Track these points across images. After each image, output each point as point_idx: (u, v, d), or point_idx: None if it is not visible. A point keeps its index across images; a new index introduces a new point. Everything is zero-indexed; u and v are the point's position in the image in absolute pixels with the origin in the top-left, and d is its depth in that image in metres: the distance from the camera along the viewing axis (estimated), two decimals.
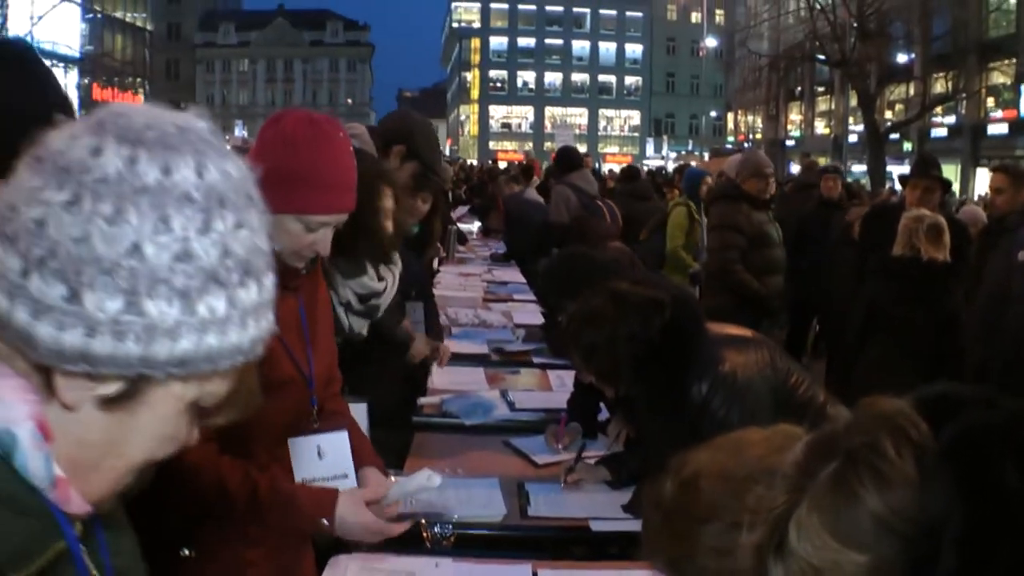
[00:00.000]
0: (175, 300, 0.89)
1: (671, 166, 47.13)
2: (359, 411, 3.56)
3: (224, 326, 0.93)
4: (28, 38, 39.36)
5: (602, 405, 3.87)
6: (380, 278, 3.11)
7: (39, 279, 0.87)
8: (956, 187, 34.98)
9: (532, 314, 6.04)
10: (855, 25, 32.60)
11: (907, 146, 39.34)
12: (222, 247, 0.92)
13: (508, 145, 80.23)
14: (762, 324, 6.38)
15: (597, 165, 19.13)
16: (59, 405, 0.93)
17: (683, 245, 8.37)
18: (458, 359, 4.96)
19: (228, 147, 0.99)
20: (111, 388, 0.92)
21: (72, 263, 0.86)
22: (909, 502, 0.86)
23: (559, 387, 4.51)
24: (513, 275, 8.44)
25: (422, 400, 4.27)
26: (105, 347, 0.88)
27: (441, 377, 4.55)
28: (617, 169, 24.55)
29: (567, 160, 8.56)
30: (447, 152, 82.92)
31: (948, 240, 5.13)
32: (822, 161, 36.34)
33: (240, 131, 66.63)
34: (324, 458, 2.33)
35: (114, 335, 0.88)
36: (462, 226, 13.37)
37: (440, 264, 8.56)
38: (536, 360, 5.11)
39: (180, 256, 0.89)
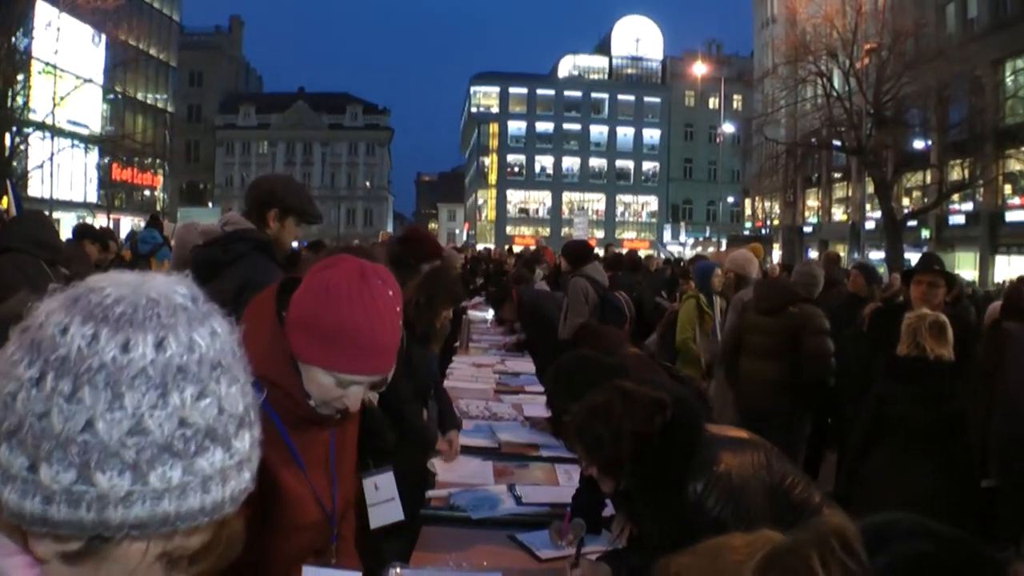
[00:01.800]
0: (126, 472, 0.97)
1: (689, 253, 47.35)
2: (386, 480, 3.67)
3: (182, 492, 1.01)
4: (50, 119, 40.20)
5: (608, 501, 3.96)
6: None
7: (7, 449, 0.98)
8: (975, 275, 34.99)
9: (543, 406, 6.12)
10: (871, 112, 33.03)
11: (925, 233, 39.43)
12: (177, 419, 1.00)
13: (525, 230, 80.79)
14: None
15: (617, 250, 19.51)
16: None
17: (693, 337, 8.56)
18: (467, 452, 5.09)
19: (207, 310, 1.08)
20: (72, 546, 1.01)
21: (33, 437, 0.96)
22: None
23: (566, 482, 4.60)
24: (526, 366, 8.54)
25: (430, 493, 4.36)
26: (61, 513, 0.97)
27: (449, 470, 4.66)
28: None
29: (579, 252, 8.75)
30: (464, 237, 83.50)
31: (951, 337, 5.22)
32: (840, 249, 36.49)
33: None
34: None
35: (69, 503, 0.97)
36: (475, 314, 13.52)
37: (454, 354, 8.70)
38: (545, 454, 5.21)
39: (132, 431, 0.97)
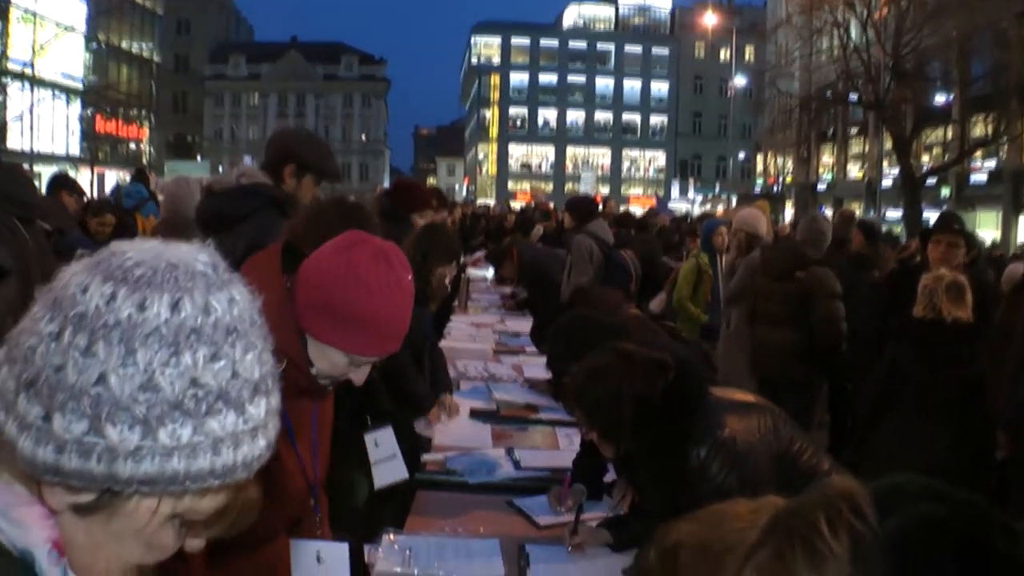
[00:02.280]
0: (137, 426, 1.03)
1: (697, 210, 47.27)
2: (387, 436, 3.75)
3: (192, 451, 1.06)
4: (29, 68, 39.96)
5: (610, 466, 3.98)
6: None
7: (25, 399, 1.04)
8: (997, 235, 34.94)
9: (544, 368, 6.14)
10: (890, 65, 32.77)
11: (945, 191, 39.34)
12: (189, 379, 1.05)
13: (527, 186, 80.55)
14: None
15: (622, 208, 19.33)
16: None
17: (691, 297, 8.65)
18: (464, 414, 5.13)
19: (228, 278, 1.13)
20: (84, 498, 1.07)
21: (49, 388, 1.02)
22: None
23: (567, 446, 4.62)
24: (526, 326, 8.53)
25: (426, 457, 4.38)
26: (72, 463, 1.03)
27: (446, 434, 4.68)
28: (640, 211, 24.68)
29: (584, 209, 8.74)
30: (463, 192, 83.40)
31: (970, 299, 5.19)
32: (855, 207, 36.38)
33: (249, 163, 67.17)
34: (322, 564, 2.46)
35: (80, 454, 1.03)
36: (475, 272, 13.51)
37: (452, 313, 8.70)
38: (545, 417, 5.22)
39: (143, 386, 1.03)
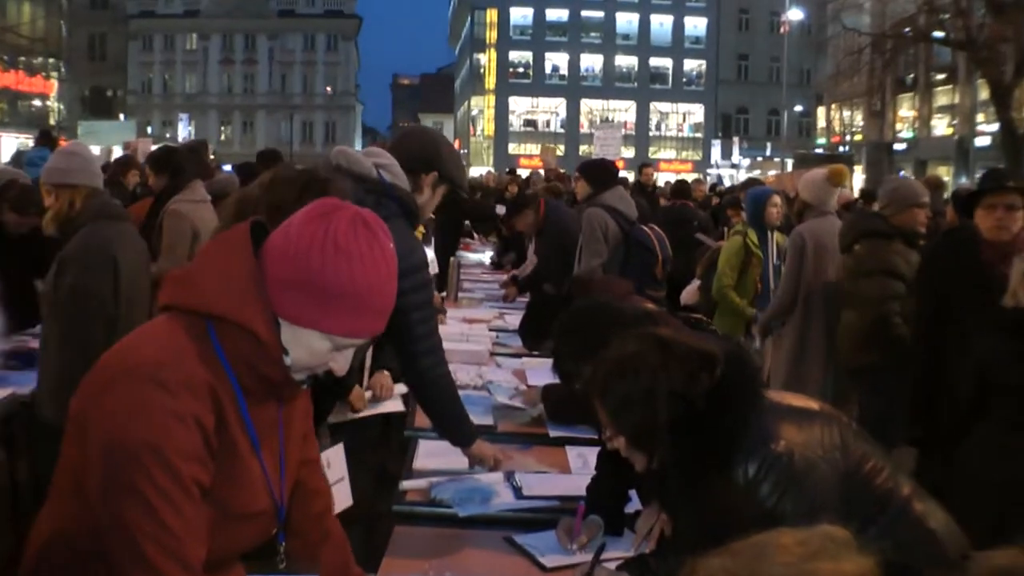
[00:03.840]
0: None
1: (743, 176, 47.21)
2: (338, 455, 3.86)
3: None
4: None
5: (633, 493, 3.97)
6: None
7: None
8: None
9: (550, 372, 6.13)
10: None
11: None
12: None
13: (533, 148, 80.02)
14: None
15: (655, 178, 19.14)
16: None
17: (735, 284, 8.63)
18: None
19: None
20: None
21: None
22: None
23: (580, 468, 4.63)
24: None
25: (405, 484, 4.38)
26: None
27: (429, 455, 4.68)
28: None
29: (600, 175, 8.73)
30: None
31: None
32: (942, 171, 36.29)
33: (185, 128, 67.04)
34: None
35: None
36: (467, 256, 13.54)
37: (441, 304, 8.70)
38: (553, 433, 5.23)
39: None
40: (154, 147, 12.11)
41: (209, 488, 2.16)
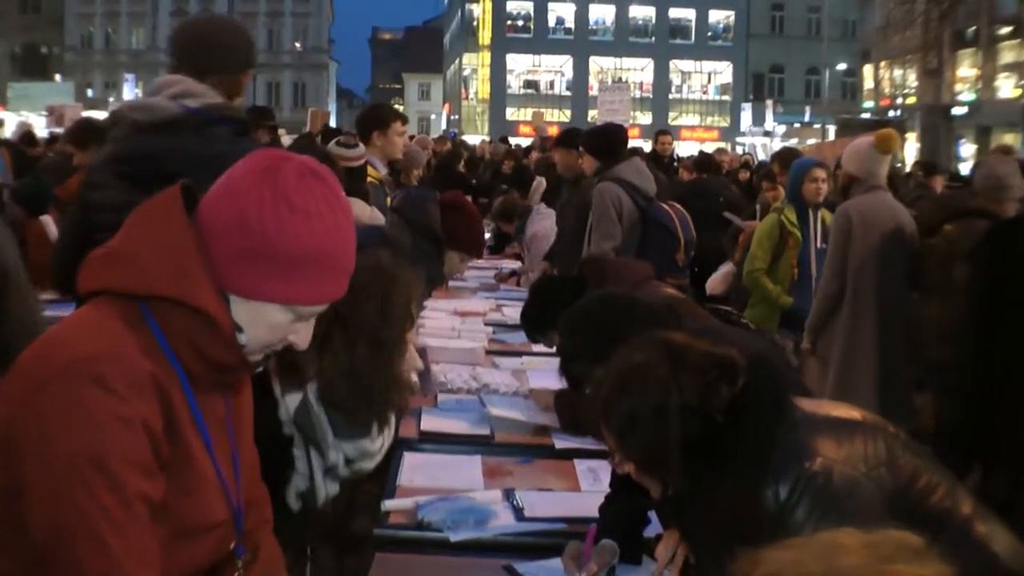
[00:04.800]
0: None
1: (778, 145, 47.18)
2: None
3: None
4: None
5: (652, 514, 3.97)
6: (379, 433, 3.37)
7: None
8: None
9: (556, 375, 6.11)
10: None
11: None
12: None
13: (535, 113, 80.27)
14: None
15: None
16: None
17: (769, 269, 8.62)
18: (445, 441, 5.15)
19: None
20: None
21: None
22: None
23: (591, 485, 4.61)
24: None
25: (389, 504, 4.38)
26: None
27: (416, 470, 4.67)
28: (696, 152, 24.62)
29: (607, 145, 8.69)
30: (443, 124, 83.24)
31: None
32: (1010, 139, 36.22)
33: (131, 90, 66.80)
34: None
35: None
36: None
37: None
38: (559, 445, 5.21)
39: None
40: (85, 114, 12.17)
41: (161, 503, 2.13)
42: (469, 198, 14.45)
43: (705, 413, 2.86)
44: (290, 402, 3.12)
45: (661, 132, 17.63)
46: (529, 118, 76.74)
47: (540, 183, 12.77)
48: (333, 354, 3.05)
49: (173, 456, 2.16)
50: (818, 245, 8.86)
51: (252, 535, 2.59)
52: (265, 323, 2.23)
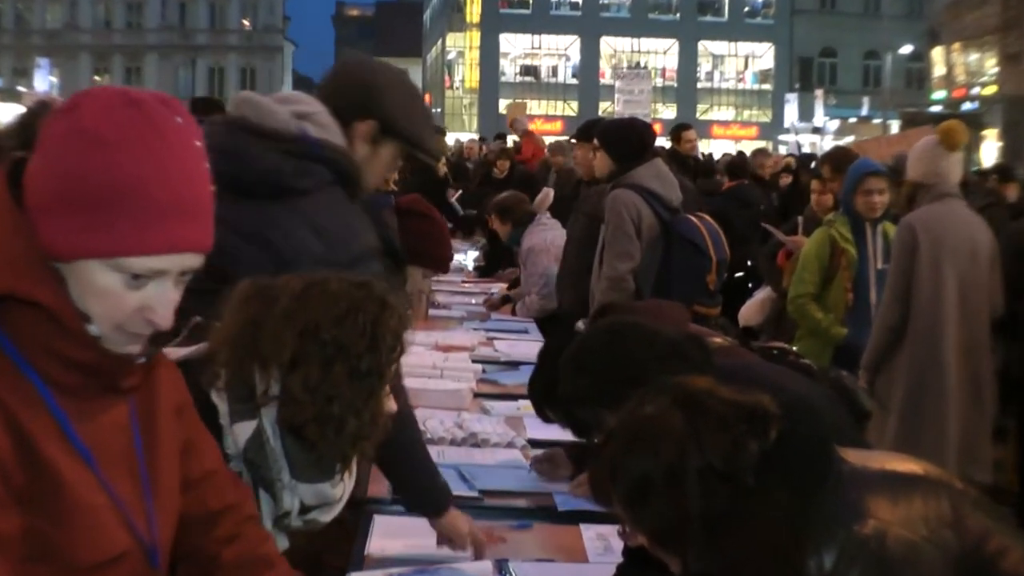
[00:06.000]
0: None
1: (829, 144, 47.22)
2: None
3: None
4: None
5: None
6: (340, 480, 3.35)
7: None
8: None
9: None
10: None
11: None
12: None
13: (534, 106, 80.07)
14: None
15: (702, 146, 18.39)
16: None
17: (819, 294, 8.58)
18: None
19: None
20: None
21: None
22: None
23: (600, 555, 4.62)
24: (530, 347, 8.49)
25: None
26: None
27: (389, 535, 4.68)
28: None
29: (629, 145, 8.66)
30: None
31: None
32: None
33: (45, 77, 66.91)
34: None
35: None
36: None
37: None
38: (562, 506, 5.23)
39: None
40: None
41: (26, 537, 2.13)
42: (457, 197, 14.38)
43: (731, 475, 2.84)
44: (240, 432, 3.07)
45: (681, 127, 17.20)
46: (528, 112, 77.07)
47: (547, 194, 12.55)
48: (303, 371, 2.99)
49: (33, 482, 2.15)
50: (878, 265, 8.69)
51: (234, 540, 2.71)
52: (94, 291, 2.17)
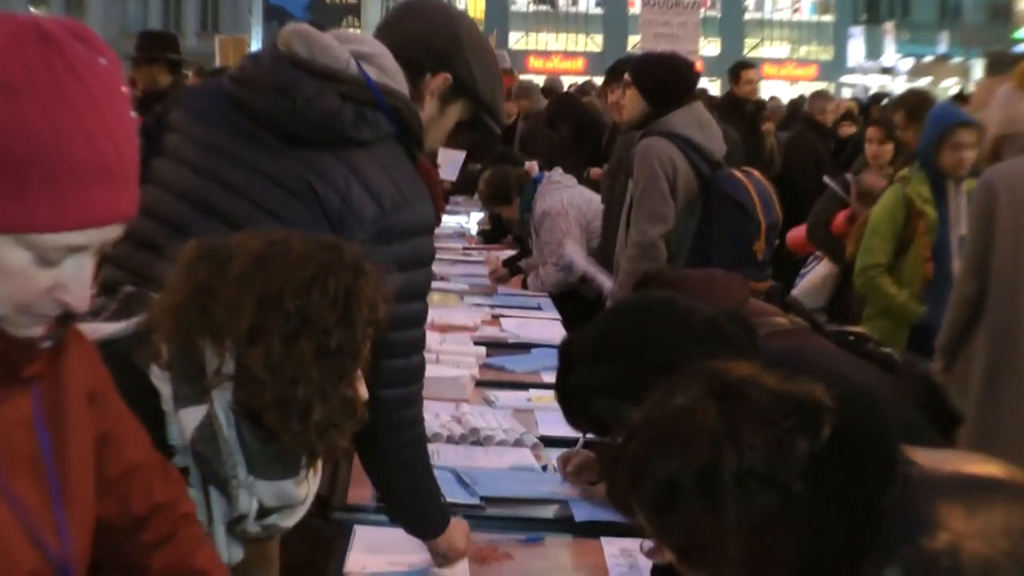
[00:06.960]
0: None
1: (901, 86, 47.21)
2: None
3: None
4: None
5: None
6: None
7: None
8: None
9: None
10: None
11: None
12: None
13: (551, 40, 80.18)
14: None
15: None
16: None
17: (892, 266, 8.50)
18: None
19: None
20: None
21: None
22: None
23: (622, 573, 4.63)
24: (544, 326, 8.49)
25: None
26: None
27: (371, 549, 4.68)
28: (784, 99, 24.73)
29: (665, 85, 8.57)
30: None
31: None
32: None
33: None
34: None
35: None
36: (447, 219, 13.58)
37: None
38: (579, 516, 5.22)
39: None
40: None
41: None
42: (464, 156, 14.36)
43: (774, 480, 2.79)
44: (187, 420, 3.01)
45: (743, 65, 16.93)
46: (542, 48, 77.12)
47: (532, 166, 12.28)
48: (264, 346, 2.92)
49: None
50: (962, 231, 8.49)
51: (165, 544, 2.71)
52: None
